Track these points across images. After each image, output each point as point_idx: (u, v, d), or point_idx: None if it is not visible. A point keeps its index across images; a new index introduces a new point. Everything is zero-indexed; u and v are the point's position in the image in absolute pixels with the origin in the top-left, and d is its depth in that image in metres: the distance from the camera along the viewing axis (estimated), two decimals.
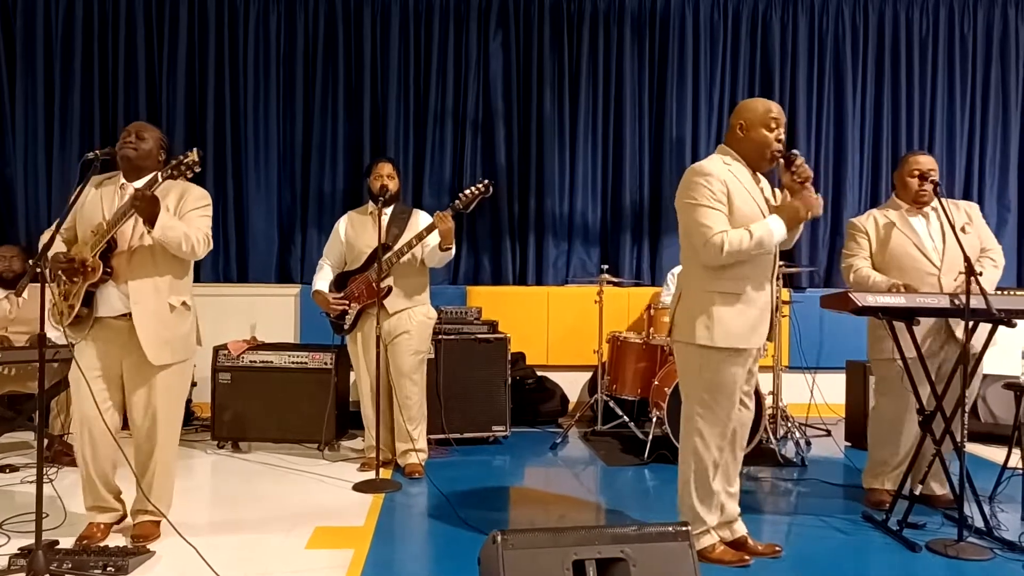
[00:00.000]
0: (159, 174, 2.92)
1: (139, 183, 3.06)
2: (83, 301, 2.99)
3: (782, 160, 2.91)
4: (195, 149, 2.87)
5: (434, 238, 4.04)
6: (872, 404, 3.91)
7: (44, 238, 3.09)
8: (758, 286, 2.88)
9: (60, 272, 2.99)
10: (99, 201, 3.07)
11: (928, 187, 3.55)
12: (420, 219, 4.27)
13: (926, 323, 3.43)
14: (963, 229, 3.52)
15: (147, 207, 2.88)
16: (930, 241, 3.59)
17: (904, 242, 3.60)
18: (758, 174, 2.99)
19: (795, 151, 2.92)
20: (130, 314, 3.00)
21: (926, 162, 3.62)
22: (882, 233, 3.65)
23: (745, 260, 2.84)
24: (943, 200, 3.45)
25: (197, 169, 2.88)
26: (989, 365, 3.68)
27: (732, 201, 2.84)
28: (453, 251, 4.12)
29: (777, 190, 3.09)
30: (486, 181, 4.07)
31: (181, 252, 3.03)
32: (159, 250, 3.04)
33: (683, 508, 3.01)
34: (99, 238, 2.98)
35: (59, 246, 3.06)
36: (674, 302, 3.04)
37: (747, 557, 2.95)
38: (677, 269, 5.38)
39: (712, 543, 2.97)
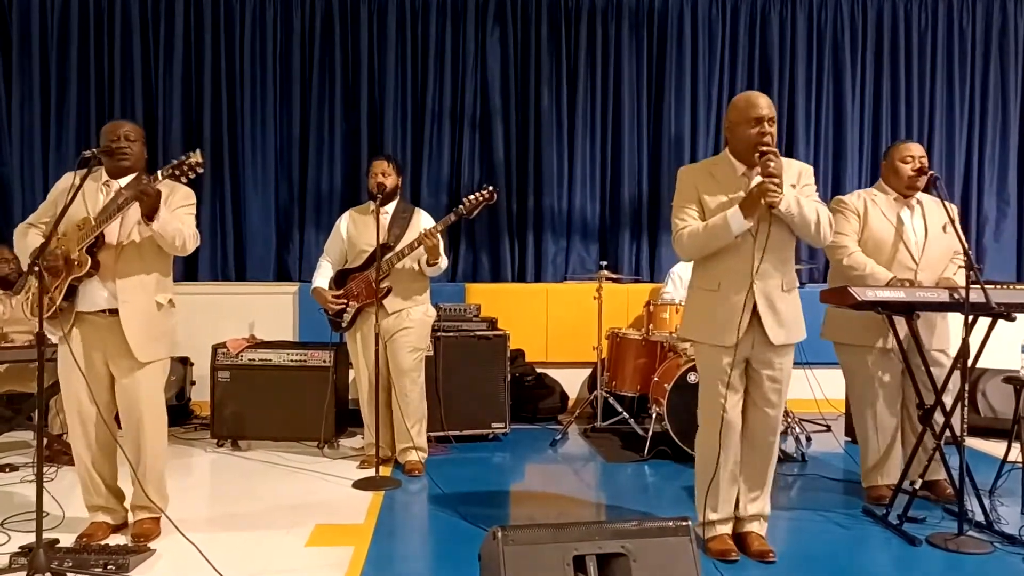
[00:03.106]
0: (160, 172, 2.92)
1: (123, 181, 3.08)
2: (65, 295, 2.98)
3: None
4: (197, 150, 2.90)
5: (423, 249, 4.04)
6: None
7: (19, 232, 3.09)
8: (733, 284, 2.89)
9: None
10: (82, 196, 3.03)
11: (922, 179, 3.53)
12: (422, 219, 4.26)
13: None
14: (943, 228, 3.52)
15: (152, 201, 2.91)
16: (912, 235, 3.57)
17: (887, 230, 3.57)
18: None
19: (768, 156, 2.77)
20: (113, 310, 3.00)
21: (917, 149, 3.61)
22: (870, 215, 3.61)
23: (713, 253, 2.89)
24: (941, 192, 3.42)
25: (200, 171, 2.90)
26: (989, 359, 3.67)
27: (704, 200, 2.92)
28: (442, 265, 4.12)
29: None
30: (491, 188, 4.05)
31: (174, 247, 3.05)
32: (147, 247, 3.04)
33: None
34: (86, 233, 2.97)
35: (38, 240, 2.98)
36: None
37: (733, 554, 2.93)
38: (677, 267, 5.38)
39: (713, 535, 2.98)
